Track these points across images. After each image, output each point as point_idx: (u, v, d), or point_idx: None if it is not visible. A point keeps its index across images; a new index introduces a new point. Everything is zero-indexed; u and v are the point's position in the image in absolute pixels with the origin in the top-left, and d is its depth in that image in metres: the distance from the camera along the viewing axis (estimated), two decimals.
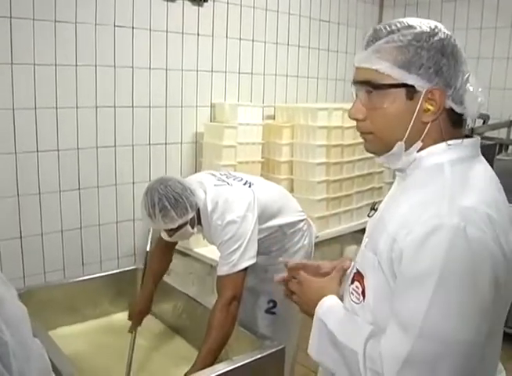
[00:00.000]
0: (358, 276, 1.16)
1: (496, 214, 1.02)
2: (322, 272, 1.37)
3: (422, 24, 1.09)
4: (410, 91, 1.07)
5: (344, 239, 3.92)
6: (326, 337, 1.17)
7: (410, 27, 1.08)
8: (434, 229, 0.97)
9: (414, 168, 1.13)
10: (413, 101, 1.08)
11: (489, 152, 3.54)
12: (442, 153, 1.10)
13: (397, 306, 1.03)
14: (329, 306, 1.22)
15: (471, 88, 1.10)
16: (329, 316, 1.19)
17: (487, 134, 3.85)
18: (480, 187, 1.06)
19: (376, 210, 1.27)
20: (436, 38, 1.07)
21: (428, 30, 1.07)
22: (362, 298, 1.14)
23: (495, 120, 3.93)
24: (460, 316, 0.97)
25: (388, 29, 1.09)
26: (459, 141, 1.10)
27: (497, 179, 1.13)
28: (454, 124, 1.12)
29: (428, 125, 1.09)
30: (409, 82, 1.06)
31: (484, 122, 3.92)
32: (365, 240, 1.22)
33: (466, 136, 1.15)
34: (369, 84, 1.10)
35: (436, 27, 1.09)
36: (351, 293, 1.19)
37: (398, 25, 1.09)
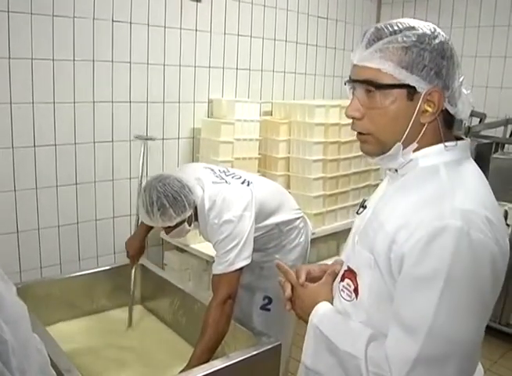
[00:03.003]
0: (350, 274, 1.17)
1: (493, 216, 1.03)
2: (312, 276, 1.34)
3: (422, 26, 1.09)
4: (411, 92, 1.07)
5: (340, 235, 3.93)
6: (323, 344, 1.16)
7: (412, 28, 1.08)
8: (438, 232, 0.98)
9: (408, 168, 1.14)
10: (413, 102, 1.08)
11: (486, 151, 3.55)
12: (438, 155, 1.11)
13: (400, 309, 1.03)
14: (323, 313, 1.21)
15: (465, 91, 1.12)
16: (325, 322, 1.19)
17: (483, 132, 3.86)
18: (476, 190, 1.08)
19: (365, 207, 1.27)
20: (437, 41, 1.07)
21: (429, 32, 1.08)
22: (354, 295, 1.15)
23: (491, 118, 3.94)
24: (466, 317, 0.99)
25: (391, 29, 1.08)
26: (453, 143, 1.12)
27: (486, 181, 1.14)
28: (447, 125, 1.13)
29: (425, 126, 1.10)
30: (411, 83, 1.06)
31: (480, 121, 3.93)
32: (354, 236, 1.21)
33: (457, 138, 1.16)
34: (371, 84, 1.09)
35: (435, 29, 1.10)
36: (342, 290, 1.19)
37: (400, 26, 1.09)
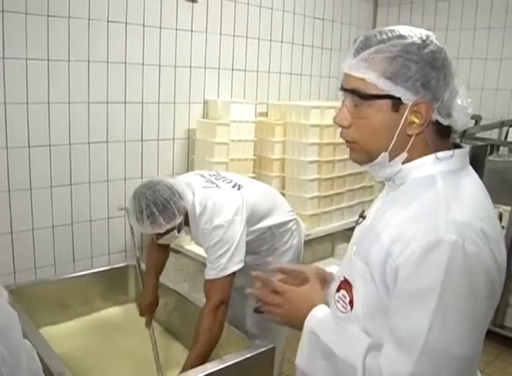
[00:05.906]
0: (346, 285, 1.15)
1: (489, 227, 1.01)
2: (304, 277, 1.32)
3: (414, 34, 1.06)
4: (396, 103, 1.05)
5: (335, 237, 3.94)
6: (319, 349, 1.14)
7: (401, 36, 1.05)
8: (432, 245, 0.96)
9: (403, 178, 1.11)
10: (399, 113, 1.06)
11: (481, 153, 3.56)
12: (433, 165, 1.08)
13: (395, 323, 1.01)
14: (321, 317, 1.18)
15: (460, 102, 1.08)
16: (322, 327, 1.16)
17: (479, 135, 3.87)
18: (472, 201, 1.05)
19: (364, 217, 1.24)
20: (426, 50, 1.04)
21: (419, 41, 1.04)
22: (349, 307, 1.13)
23: (487, 121, 3.95)
24: (461, 332, 0.97)
25: (379, 37, 1.06)
26: (449, 153, 1.08)
27: (485, 190, 1.11)
28: (441, 136, 1.10)
29: (413, 137, 1.08)
30: (395, 94, 1.04)
31: (476, 123, 3.94)
32: (352, 247, 1.19)
33: (456, 146, 1.13)
34: (356, 94, 1.08)
35: (428, 37, 1.06)
36: (337, 301, 1.17)
37: (389, 34, 1.06)
